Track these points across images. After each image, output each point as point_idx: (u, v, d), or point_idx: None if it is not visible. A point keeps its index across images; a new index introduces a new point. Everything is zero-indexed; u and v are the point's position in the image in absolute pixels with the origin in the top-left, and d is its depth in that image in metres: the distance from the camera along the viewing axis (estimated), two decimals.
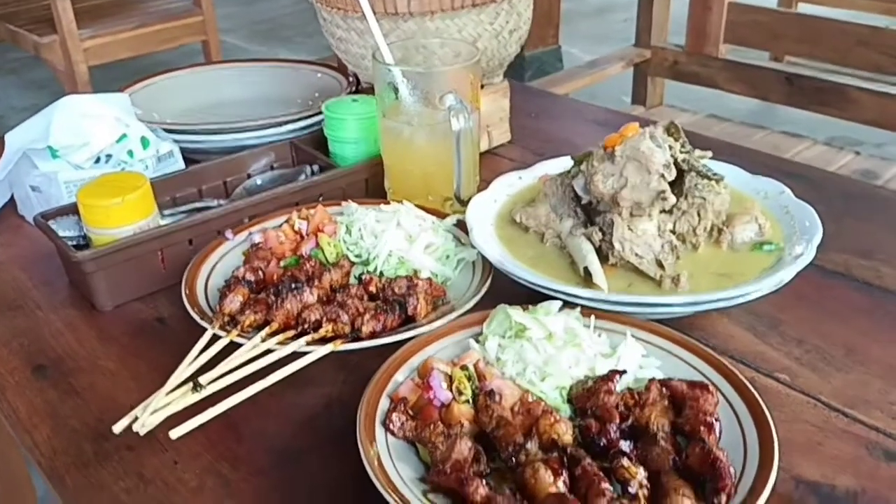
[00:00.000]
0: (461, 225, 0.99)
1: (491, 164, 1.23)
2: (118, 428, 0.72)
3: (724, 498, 0.61)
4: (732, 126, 2.48)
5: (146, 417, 0.70)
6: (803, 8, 3.56)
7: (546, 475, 0.62)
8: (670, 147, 0.89)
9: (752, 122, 2.63)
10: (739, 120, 2.59)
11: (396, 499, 0.63)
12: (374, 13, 1.05)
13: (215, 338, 0.81)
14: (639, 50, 2.58)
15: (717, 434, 0.68)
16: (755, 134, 2.42)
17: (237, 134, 1.22)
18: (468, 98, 1.01)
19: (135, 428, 0.71)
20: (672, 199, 0.87)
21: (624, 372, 0.74)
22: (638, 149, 0.87)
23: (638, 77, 2.67)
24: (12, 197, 1.17)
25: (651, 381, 0.74)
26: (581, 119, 1.51)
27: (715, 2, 2.27)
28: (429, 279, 0.90)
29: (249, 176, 1.17)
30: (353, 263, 0.95)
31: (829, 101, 2.21)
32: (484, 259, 0.92)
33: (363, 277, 0.92)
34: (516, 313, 0.80)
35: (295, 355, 0.79)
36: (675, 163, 0.89)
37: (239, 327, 0.82)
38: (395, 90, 1.02)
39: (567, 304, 0.83)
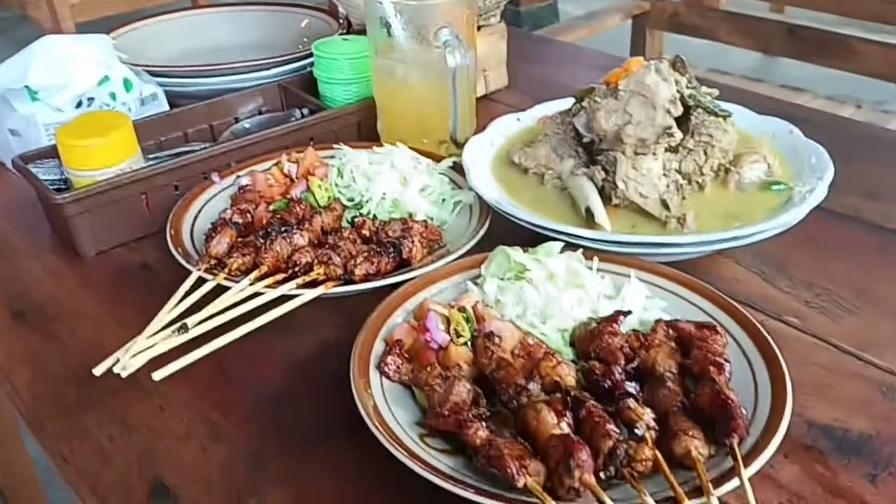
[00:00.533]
0: (458, 168, 0.95)
1: (488, 110, 1.18)
2: (99, 370, 0.69)
3: (735, 440, 0.58)
4: (732, 80, 2.44)
5: (127, 359, 0.67)
6: None
7: (549, 416, 0.59)
8: (676, 82, 0.85)
9: (752, 77, 2.58)
10: (739, 75, 2.54)
11: (393, 443, 0.60)
12: None
13: (201, 281, 0.78)
14: (637, 2, 2.51)
15: (728, 374, 0.65)
16: (755, 87, 2.37)
17: (224, 77, 1.18)
18: (464, 35, 0.96)
19: (115, 370, 0.67)
20: (678, 134, 0.83)
21: (629, 312, 0.71)
22: (643, 83, 0.82)
23: (636, 30, 2.61)
24: None
25: (657, 322, 0.71)
26: (581, 64, 1.47)
27: None
28: (424, 222, 0.86)
29: (237, 120, 1.13)
30: (345, 207, 0.91)
31: (832, 52, 2.15)
32: (481, 202, 0.89)
33: (356, 221, 0.88)
34: (517, 254, 0.76)
35: (284, 298, 0.76)
36: (682, 98, 0.85)
37: (226, 270, 0.79)
38: (388, 26, 0.97)
39: (569, 248, 0.79)
